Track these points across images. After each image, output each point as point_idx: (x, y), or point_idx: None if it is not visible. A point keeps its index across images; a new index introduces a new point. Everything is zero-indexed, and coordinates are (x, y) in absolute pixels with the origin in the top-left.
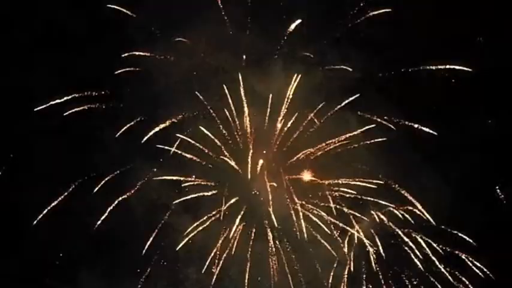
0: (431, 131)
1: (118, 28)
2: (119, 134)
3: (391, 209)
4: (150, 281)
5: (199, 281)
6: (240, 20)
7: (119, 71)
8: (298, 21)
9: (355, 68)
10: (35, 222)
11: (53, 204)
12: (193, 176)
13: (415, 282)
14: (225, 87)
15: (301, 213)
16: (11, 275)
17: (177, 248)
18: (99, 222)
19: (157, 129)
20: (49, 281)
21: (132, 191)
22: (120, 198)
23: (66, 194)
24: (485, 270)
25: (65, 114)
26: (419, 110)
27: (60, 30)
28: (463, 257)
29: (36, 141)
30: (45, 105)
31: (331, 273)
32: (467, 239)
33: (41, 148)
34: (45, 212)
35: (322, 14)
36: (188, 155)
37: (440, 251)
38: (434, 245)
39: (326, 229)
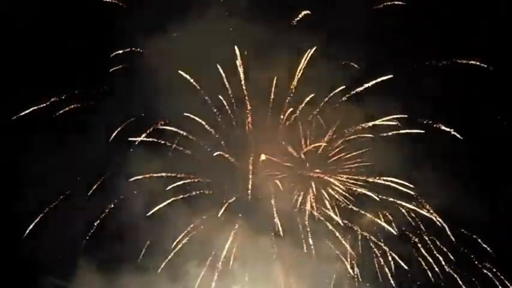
0: (455, 133)
1: (115, 21)
2: (116, 131)
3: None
4: (150, 276)
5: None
6: (242, 11)
7: (115, 68)
8: (305, 12)
9: (361, 60)
10: (34, 222)
11: (54, 203)
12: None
13: (418, 283)
14: (225, 80)
15: (306, 211)
16: (10, 275)
17: (178, 245)
18: (98, 221)
19: (156, 126)
20: (49, 279)
21: (131, 188)
22: (122, 197)
23: (65, 193)
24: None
25: (59, 112)
26: (428, 105)
27: (51, 26)
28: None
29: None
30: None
31: (334, 271)
32: (473, 236)
33: (38, 146)
34: (46, 210)
35: (329, 4)
36: (188, 151)
37: (445, 249)
38: (438, 243)
39: (330, 226)
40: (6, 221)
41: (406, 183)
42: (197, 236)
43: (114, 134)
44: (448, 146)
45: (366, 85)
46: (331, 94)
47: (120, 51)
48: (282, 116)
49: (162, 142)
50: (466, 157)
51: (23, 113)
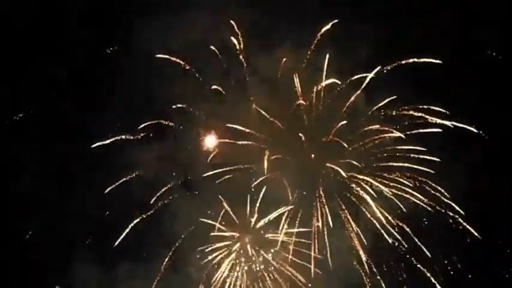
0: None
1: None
2: (117, 127)
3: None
4: (151, 267)
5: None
6: None
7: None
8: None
9: (366, 50)
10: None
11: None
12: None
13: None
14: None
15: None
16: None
17: (181, 239)
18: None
19: (157, 119)
20: (52, 276)
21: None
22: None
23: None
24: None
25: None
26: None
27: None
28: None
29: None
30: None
31: (343, 265)
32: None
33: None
34: (48, 208)
35: None
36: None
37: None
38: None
39: (338, 221)
40: (8, 221)
41: (420, 178)
42: (200, 231)
43: (114, 130)
44: (464, 142)
45: (375, 75)
46: (341, 87)
47: (117, 47)
48: (288, 107)
49: (164, 136)
50: (483, 153)
51: (22, 114)
